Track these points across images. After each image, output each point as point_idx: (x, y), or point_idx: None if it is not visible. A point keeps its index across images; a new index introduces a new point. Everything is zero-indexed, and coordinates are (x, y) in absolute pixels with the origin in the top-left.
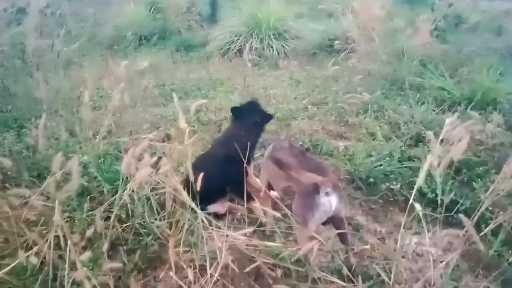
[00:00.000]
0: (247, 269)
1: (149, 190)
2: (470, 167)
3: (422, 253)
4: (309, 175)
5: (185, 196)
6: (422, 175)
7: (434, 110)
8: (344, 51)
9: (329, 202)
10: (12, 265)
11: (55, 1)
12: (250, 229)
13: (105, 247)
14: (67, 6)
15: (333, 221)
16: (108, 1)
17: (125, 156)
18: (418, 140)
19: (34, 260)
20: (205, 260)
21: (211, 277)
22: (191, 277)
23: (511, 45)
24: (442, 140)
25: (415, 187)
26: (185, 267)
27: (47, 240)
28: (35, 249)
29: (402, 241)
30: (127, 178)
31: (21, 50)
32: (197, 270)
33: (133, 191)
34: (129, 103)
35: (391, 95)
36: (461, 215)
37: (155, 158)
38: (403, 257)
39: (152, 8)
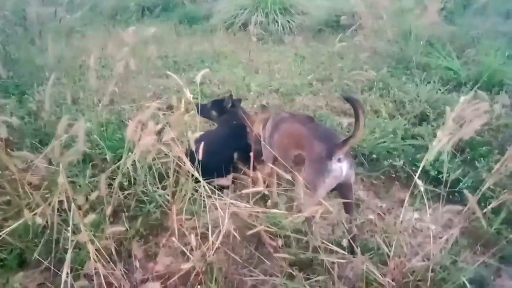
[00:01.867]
0: (249, 233)
1: (151, 159)
2: (473, 146)
3: (422, 228)
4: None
5: (188, 164)
6: (434, 150)
7: (439, 90)
8: (350, 28)
9: (341, 168)
10: (18, 223)
11: None
12: (251, 190)
13: (108, 211)
14: None
15: (341, 188)
16: None
17: (130, 122)
18: (423, 119)
19: (39, 220)
20: (207, 228)
21: (212, 244)
22: (193, 243)
23: None
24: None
25: (422, 163)
26: (187, 234)
27: (50, 204)
28: (40, 209)
29: (403, 216)
30: (129, 147)
31: (23, 17)
32: (199, 237)
33: (136, 159)
34: (132, 73)
35: (397, 73)
36: (465, 191)
37: (159, 126)
38: (403, 232)
39: None
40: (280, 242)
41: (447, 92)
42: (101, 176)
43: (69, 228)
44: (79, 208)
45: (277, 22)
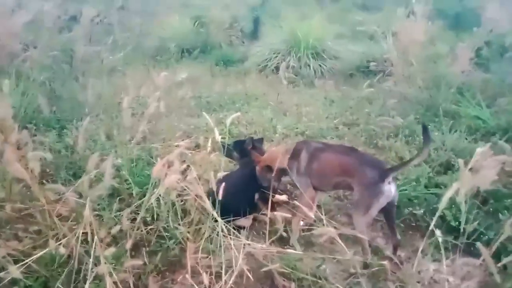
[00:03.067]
0: (262, 271)
1: (175, 196)
2: (498, 198)
3: (439, 280)
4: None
5: (207, 204)
6: (444, 199)
7: (466, 139)
8: (381, 73)
9: (390, 189)
10: (42, 252)
11: (105, 10)
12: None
13: (129, 244)
14: (116, 15)
15: (388, 207)
16: (154, 11)
17: (158, 161)
18: (448, 167)
19: (62, 250)
20: (221, 268)
21: (225, 283)
22: (206, 281)
23: None
24: (471, 169)
25: (437, 213)
26: (201, 272)
27: (75, 234)
28: (64, 240)
29: (419, 266)
30: (155, 183)
31: (70, 56)
32: (213, 276)
33: (160, 196)
34: (165, 112)
35: (425, 120)
36: (478, 243)
37: (184, 165)
38: (418, 282)
39: (196, 22)
40: (293, 285)
41: (474, 141)
42: (125, 211)
43: (90, 260)
44: (101, 240)
45: (309, 65)
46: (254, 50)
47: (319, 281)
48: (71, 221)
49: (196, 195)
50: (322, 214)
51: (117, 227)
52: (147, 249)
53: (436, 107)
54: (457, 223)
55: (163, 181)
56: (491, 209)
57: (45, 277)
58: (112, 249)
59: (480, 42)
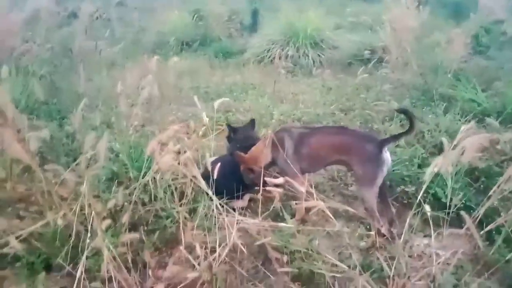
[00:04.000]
0: (256, 244)
1: (170, 179)
2: (489, 175)
3: (430, 254)
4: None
5: (203, 184)
6: (428, 172)
7: (459, 120)
8: (378, 60)
9: (388, 158)
10: (40, 223)
11: (104, 6)
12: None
13: (125, 218)
14: (114, 11)
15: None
16: (153, 7)
17: (152, 140)
18: (441, 149)
19: (60, 221)
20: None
21: (219, 256)
22: (200, 253)
23: None
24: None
25: (424, 186)
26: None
27: (73, 209)
28: (61, 212)
29: (410, 241)
30: (150, 165)
31: (69, 50)
32: (208, 250)
33: (154, 178)
34: (160, 97)
35: (420, 104)
36: (462, 212)
37: (178, 146)
38: (410, 256)
39: (195, 15)
40: (285, 258)
41: (468, 123)
42: (120, 188)
43: (88, 234)
44: (98, 214)
45: (307, 55)
46: (253, 41)
47: (311, 253)
48: (70, 201)
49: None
50: (311, 187)
51: (113, 201)
52: (146, 228)
53: (432, 91)
54: (449, 199)
55: (158, 161)
56: (481, 186)
57: (47, 254)
58: (108, 221)
59: (476, 28)
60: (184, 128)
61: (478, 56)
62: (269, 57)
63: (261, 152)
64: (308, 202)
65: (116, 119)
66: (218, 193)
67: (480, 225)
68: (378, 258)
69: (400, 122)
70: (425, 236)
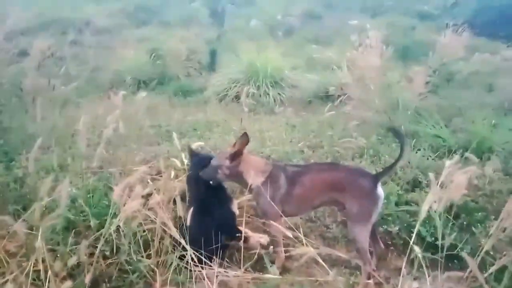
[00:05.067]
0: None
1: (136, 226)
2: (468, 212)
3: None
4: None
5: (174, 231)
6: (423, 211)
7: (430, 156)
8: (339, 98)
9: (382, 193)
10: None
11: (57, 44)
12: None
13: (87, 279)
14: (68, 49)
15: None
16: (109, 46)
17: (118, 185)
18: (415, 185)
19: (10, 286)
20: None
21: None
22: None
23: (503, 100)
24: (440, 183)
25: (416, 228)
26: None
27: (25, 269)
28: (12, 275)
29: (402, 285)
30: (114, 213)
31: (19, 88)
32: None
33: (119, 227)
34: (123, 140)
35: (387, 141)
36: (465, 254)
37: (146, 190)
38: None
39: (153, 54)
40: None
41: (438, 158)
42: (82, 242)
43: None
44: (56, 275)
45: (268, 94)
46: (213, 80)
47: None
48: (20, 257)
49: (160, 223)
50: (300, 233)
51: (74, 258)
52: (109, 285)
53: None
54: (432, 238)
55: (124, 207)
56: (464, 223)
57: None
58: (68, 284)
59: (432, 68)
60: (153, 169)
61: (431, 94)
62: (230, 96)
63: (258, 171)
64: (298, 248)
65: (73, 160)
66: (193, 243)
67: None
68: None
69: (370, 158)
70: (414, 279)
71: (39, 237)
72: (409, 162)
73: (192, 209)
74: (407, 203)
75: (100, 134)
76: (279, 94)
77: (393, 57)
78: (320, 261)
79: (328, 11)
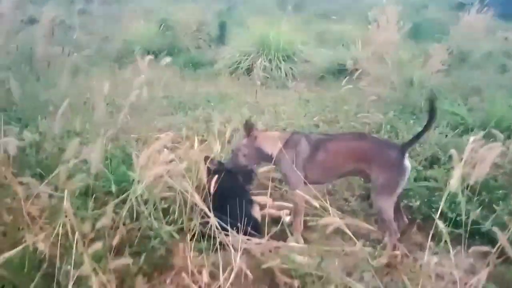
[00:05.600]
0: (263, 267)
1: (159, 192)
2: (489, 190)
3: (443, 274)
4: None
5: (197, 198)
6: (452, 184)
7: (447, 134)
8: (353, 74)
9: (409, 164)
10: (16, 250)
11: (66, 13)
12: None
13: (115, 241)
14: (77, 18)
15: None
16: (118, 16)
17: (145, 150)
18: (433, 162)
19: (41, 246)
20: (216, 267)
21: (224, 282)
22: (205, 279)
23: None
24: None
25: (442, 203)
26: (195, 272)
27: (54, 229)
28: (42, 234)
29: (421, 260)
30: (133, 180)
31: (29, 56)
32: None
33: (141, 193)
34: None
35: (404, 117)
36: (495, 228)
37: (171, 156)
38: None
39: (162, 25)
40: (296, 282)
41: (457, 135)
42: (109, 205)
43: (72, 259)
44: (84, 237)
45: (280, 68)
46: (223, 53)
47: (323, 276)
48: (45, 219)
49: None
50: (327, 203)
51: (102, 221)
52: (130, 250)
53: (413, 105)
54: (453, 214)
55: (150, 172)
56: (486, 200)
57: (13, 284)
58: (98, 244)
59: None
60: (177, 137)
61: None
62: (241, 69)
63: (274, 139)
64: (324, 218)
65: (90, 126)
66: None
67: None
68: (392, 280)
69: (388, 134)
70: (434, 254)
71: (64, 200)
72: (427, 139)
73: (216, 176)
74: (425, 179)
75: (111, 103)
76: (291, 68)
77: (407, 35)
78: (347, 231)
79: None
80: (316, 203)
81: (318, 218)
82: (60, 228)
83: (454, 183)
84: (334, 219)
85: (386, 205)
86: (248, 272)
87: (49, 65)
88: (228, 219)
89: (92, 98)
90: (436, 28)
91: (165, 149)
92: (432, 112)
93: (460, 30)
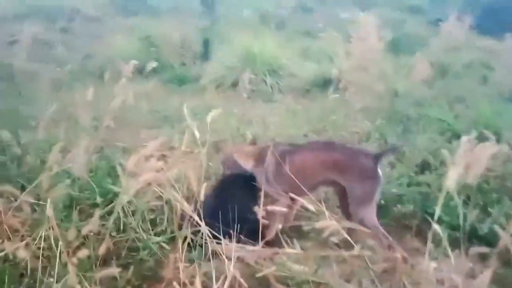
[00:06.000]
0: (258, 276)
1: (147, 201)
2: (483, 193)
3: (443, 279)
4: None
5: (186, 206)
6: (449, 183)
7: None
8: (337, 86)
9: (380, 172)
10: None
11: (47, 31)
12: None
13: (102, 250)
14: (58, 35)
15: None
16: (100, 34)
17: (133, 156)
18: (424, 167)
19: (22, 253)
20: (209, 277)
21: None
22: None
23: (500, 89)
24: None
25: (438, 205)
26: (187, 283)
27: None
28: (23, 243)
29: (418, 265)
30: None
31: (10, 73)
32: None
33: (128, 204)
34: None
35: (392, 125)
36: (496, 226)
37: (161, 163)
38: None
39: (146, 41)
40: None
41: (446, 141)
42: (95, 213)
43: (55, 270)
44: (69, 245)
45: (265, 82)
46: (208, 68)
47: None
48: (26, 229)
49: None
50: (322, 206)
51: (88, 227)
52: (117, 262)
53: (400, 113)
54: (449, 218)
55: (139, 179)
56: (481, 203)
57: None
58: (85, 252)
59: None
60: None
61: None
62: (227, 83)
63: (247, 155)
64: (321, 222)
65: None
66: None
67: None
68: (391, 286)
69: (378, 142)
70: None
71: (47, 207)
72: (416, 145)
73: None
74: (418, 184)
75: (96, 115)
76: (277, 82)
77: (388, 48)
78: (345, 234)
79: (319, 4)
80: (311, 206)
81: (314, 222)
82: (43, 238)
83: (450, 183)
84: (330, 223)
85: (367, 213)
86: (243, 281)
87: (32, 80)
88: (221, 227)
89: (75, 109)
90: (415, 42)
91: (153, 157)
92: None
93: (439, 42)
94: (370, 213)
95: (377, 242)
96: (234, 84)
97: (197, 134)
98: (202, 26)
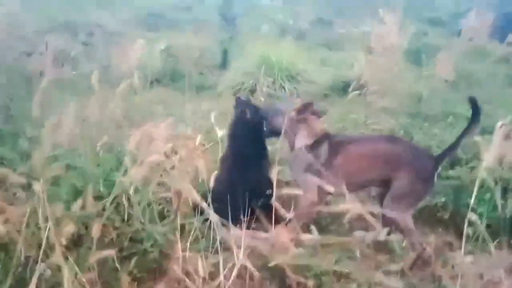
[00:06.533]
0: (270, 265)
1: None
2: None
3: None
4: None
5: (194, 195)
6: (486, 164)
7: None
8: (356, 91)
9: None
10: None
11: (69, 44)
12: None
13: (95, 230)
14: (80, 47)
15: None
16: (120, 46)
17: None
18: (453, 162)
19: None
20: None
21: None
22: (201, 273)
23: None
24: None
25: (473, 196)
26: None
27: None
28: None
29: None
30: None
31: (29, 79)
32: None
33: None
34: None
35: (416, 122)
36: None
37: (170, 145)
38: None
39: (164, 51)
40: (311, 282)
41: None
42: (88, 188)
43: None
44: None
45: (284, 88)
46: (226, 75)
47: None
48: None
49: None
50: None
51: (79, 202)
52: (119, 254)
53: (423, 113)
54: (483, 209)
55: (144, 161)
56: None
57: None
58: (71, 227)
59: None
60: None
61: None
62: (245, 89)
63: (313, 134)
64: (343, 204)
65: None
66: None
67: None
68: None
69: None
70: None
71: (40, 185)
72: (442, 141)
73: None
74: (448, 178)
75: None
76: (295, 88)
77: (408, 59)
78: (369, 217)
79: (338, 17)
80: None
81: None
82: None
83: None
84: (352, 206)
85: (406, 217)
86: (255, 270)
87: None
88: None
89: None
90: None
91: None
92: (476, 114)
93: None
94: (408, 217)
95: (410, 246)
96: (252, 91)
97: (217, 130)
98: (222, 38)
